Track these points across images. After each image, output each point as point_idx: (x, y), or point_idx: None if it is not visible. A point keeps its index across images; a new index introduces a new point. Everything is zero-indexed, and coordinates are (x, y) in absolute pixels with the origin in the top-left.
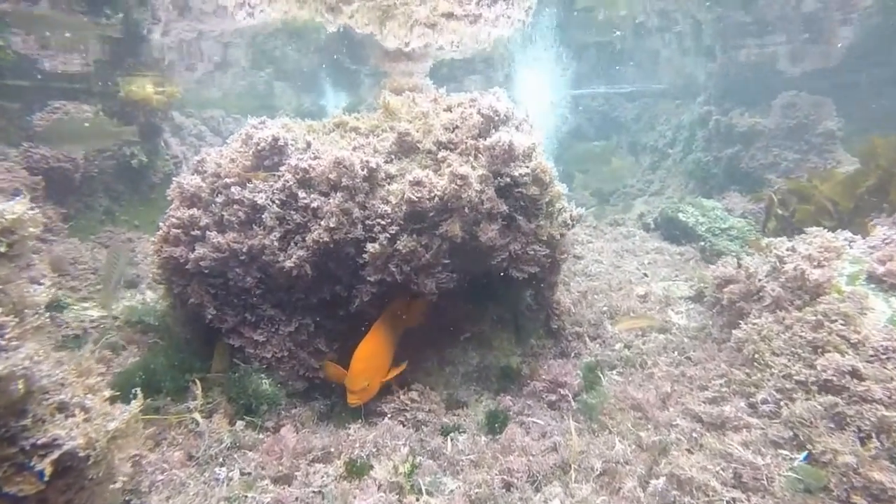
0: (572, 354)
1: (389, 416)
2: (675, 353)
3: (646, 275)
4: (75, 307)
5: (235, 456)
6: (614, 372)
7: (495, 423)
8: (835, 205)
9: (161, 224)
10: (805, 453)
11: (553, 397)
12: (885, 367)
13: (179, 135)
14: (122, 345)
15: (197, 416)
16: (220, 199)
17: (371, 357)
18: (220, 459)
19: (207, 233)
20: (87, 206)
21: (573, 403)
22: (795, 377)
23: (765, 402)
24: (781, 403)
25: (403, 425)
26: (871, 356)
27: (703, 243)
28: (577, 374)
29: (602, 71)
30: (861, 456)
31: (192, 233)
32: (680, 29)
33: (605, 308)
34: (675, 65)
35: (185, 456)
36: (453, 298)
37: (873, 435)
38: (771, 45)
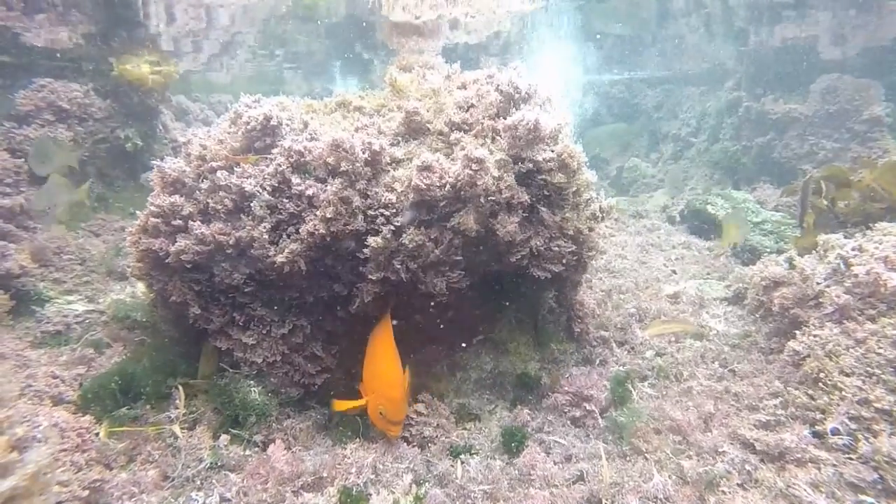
0: (597, 362)
1: None
2: (716, 363)
3: (674, 272)
4: (58, 301)
5: (215, 479)
6: (646, 384)
7: (512, 443)
8: (883, 195)
9: (139, 213)
10: None
11: (577, 413)
12: None
13: (185, 119)
14: (107, 342)
15: (176, 428)
16: (205, 186)
17: (401, 376)
18: (198, 482)
19: (191, 223)
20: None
21: (601, 421)
22: (875, 404)
23: (836, 432)
24: (859, 436)
25: (408, 443)
26: None
27: None
28: (605, 385)
29: (622, 56)
30: None
31: (174, 223)
32: (708, 10)
33: (632, 310)
34: (702, 50)
35: (161, 476)
36: (466, 298)
37: None
38: (812, 22)
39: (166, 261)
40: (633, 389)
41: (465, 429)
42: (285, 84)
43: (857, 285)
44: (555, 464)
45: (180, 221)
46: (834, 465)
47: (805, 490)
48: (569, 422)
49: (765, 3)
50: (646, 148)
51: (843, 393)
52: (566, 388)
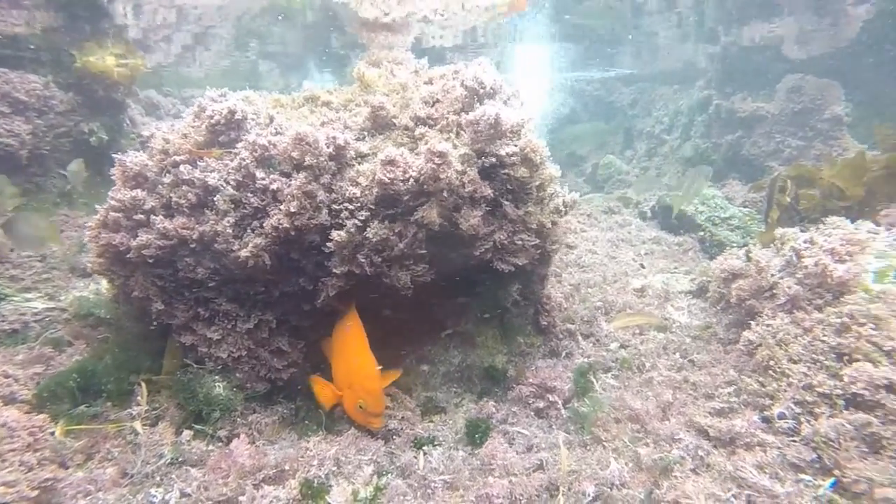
0: (563, 354)
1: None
2: (677, 354)
3: (642, 266)
4: (15, 298)
5: (175, 475)
6: (609, 375)
7: (476, 434)
8: (841, 191)
9: (98, 207)
10: (832, 480)
11: (541, 404)
12: None
13: (156, 114)
14: (68, 341)
15: (137, 424)
16: (168, 180)
17: (376, 368)
18: (158, 478)
19: (153, 217)
20: (39, 188)
21: (563, 412)
22: (818, 389)
23: (782, 416)
24: (802, 419)
25: (372, 436)
26: None
27: (702, 233)
28: (569, 377)
29: (598, 55)
30: None
31: (136, 217)
32: (680, 10)
33: (599, 303)
34: (675, 49)
35: (119, 473)
36: (432, 292)
37: None
38: (778, 26)
39: (128, 256)
40: (595, 380)
41: (431, 421)
42: (261, 79)
43: (806, 276)
44: (517, 454)
45: (142, 216)
46: (779, 448)
47: (751, 472)
48: (532, 413)
49: (733, 4)
50: (621, 145)
51: (790, 379)
52: (531, 380)
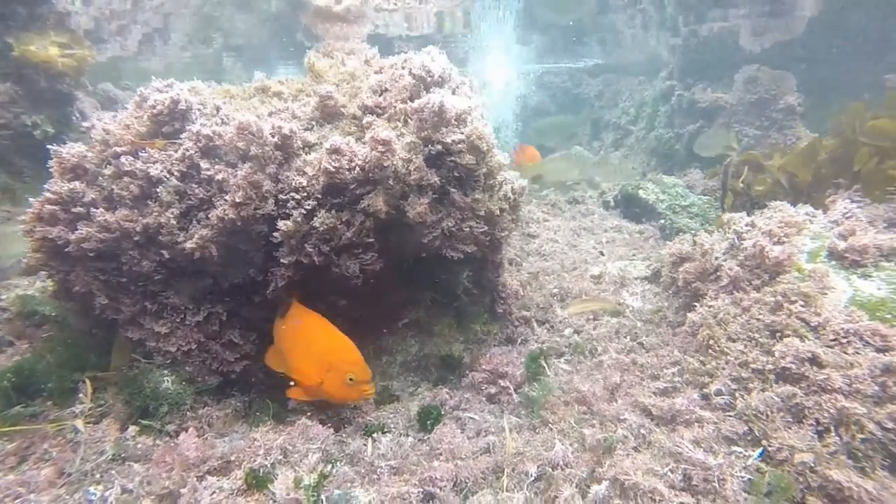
0: (519, 341)
1: (309, 413)
2: (627, 338)
3: (602, 253)
4: None
5: (116, 471)
6: (562, 360)
7: (427, 421)
8: (792, 177)
9: (33, 200)
10: (760, 450)
11: (493, 389)
12: (845, 353)
13: (113, 108)
14: (10, 340)
15: (79, 422)
16: (108, 171)
17: (347, 339)
18: (98, 475)
19: (93, 210)
20: None
21: (515, 396)
22: (752, 365)
23: (719, 393)
24: (737, 394)
25: (324, 424)
26: (832, 340)
27: (663, 221)
28: (522, 363)
29: (566, 47)
30: (819, 453)
31: (74, 210)
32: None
33: (555, 290)
34: (639, 40)
35: (56, 473)
36: (388, 282)
37: (832, 428)
38: (734, 18)
39: (66, 250)
40: (547, 365)
41: (385, 410)
42: (225, 73)
43: (747, 258)
44: (468, 439)
45: (81, 208)
46: (715, 423)
47: (688, 447)
48: (485, 399)
49: None
50: (588, 136)
51: (728, 357)
52: (484, 367)
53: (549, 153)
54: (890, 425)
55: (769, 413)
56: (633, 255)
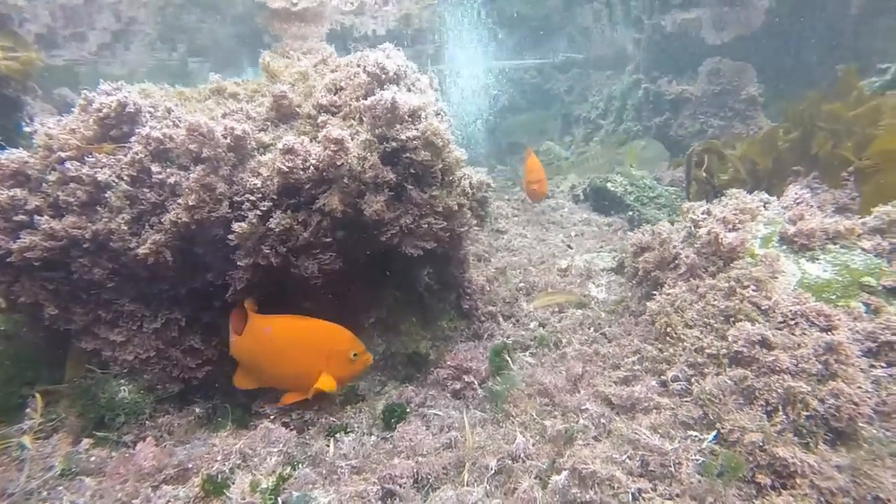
0: (485, 336)
1: (272, 417)
2: (591, 329)
3: (570, 247)
4: None
5: (63, 487)
6: (527, 354)
7: (391, 419)
8: (753, 165)
9: None
10: (714, 433)
11: (458, 385)
12: (792, 334)
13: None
14: None
15: (25, 439)
16: (53, 178)
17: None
18: (45, 493)
19: (37, 217)
20: None
21: (479, 391)
22: (707, 350)
23: (676, 379)
24: (692, 380)
25: (287, 427)
26: (780, 322)
27: (631, 213)
28: (487, 358)
29: (534, 43)
30: (767, 432)
31: (16, 218)
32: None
33: (521, 284)
34: (606, 35)
35: None
36: (350, 282)
37: (780, 408)
38: (695, 13)
39: (8, 260)
40: (511, 359)
41: (350, 410)
42: (191, 77)
43: (703, 245)
44: (432, 435)
45: (24, 216)
46: (671, 409)
47: (645, 433)
48: (450, 394)
49: None
50: (560, 131)
51: (685, 343)
52: (448, 363)
53: (521, 148)
54: (831, 401)
55: (722, 396)
56: (601, 247)
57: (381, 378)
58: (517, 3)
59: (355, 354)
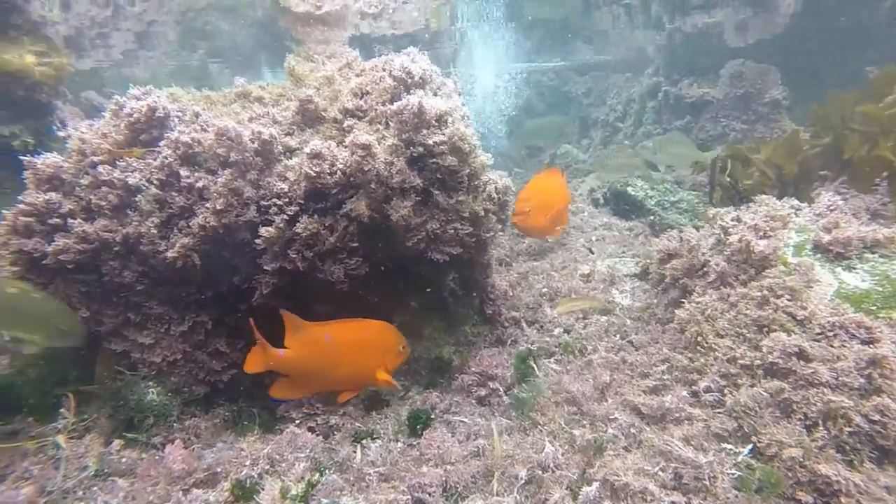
0: (509, 342)
1: (297, 422)
2: (617, 336)
3: (591, 251)
4: None
5: (97, 487)
6: (552, 360)
7: (417, 425)
8: (779, 169)
9: (6, 212)
10: (750, 447)
11: (483, 392)
12: (831, 346)
13: (98, 117)
14: None
15: (60, 438)
16: (86, 181)
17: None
18: (80, 492)
19: (70, 221)
20: None
21: (505, 398)
22: (740, 361)
23: (708, 389)
24: (725, 391)
25: (313, 432)
26: (818, 334)
27: (652, 217)
28: (511, 364)
29: (553, 46)
30: (807, 447)
31: (51, 221)
32: (629, 1)
33: (545, 290)
34: (625, 37)
35: (37, 492)
36: (375, 286)
37: (820, 422)
38: (718, 13)
39: (44, 262)
40: (537, 366)
41: (375, 415)
42: (211, 79)
43: (733, 253)
44: (459, 443)
45: (58, 220)
46: (704, 420)
47: (678, 445)
48: (475, 401)
49: None
50: (577, 134)
51: (717, 353)
52: (473, 369)
53: (539, 151)
54: (876, 417)
55: (758, 409)
56: (623, 252)
57: (405, 383)
58: (537, 4)
59: (403, 347)
